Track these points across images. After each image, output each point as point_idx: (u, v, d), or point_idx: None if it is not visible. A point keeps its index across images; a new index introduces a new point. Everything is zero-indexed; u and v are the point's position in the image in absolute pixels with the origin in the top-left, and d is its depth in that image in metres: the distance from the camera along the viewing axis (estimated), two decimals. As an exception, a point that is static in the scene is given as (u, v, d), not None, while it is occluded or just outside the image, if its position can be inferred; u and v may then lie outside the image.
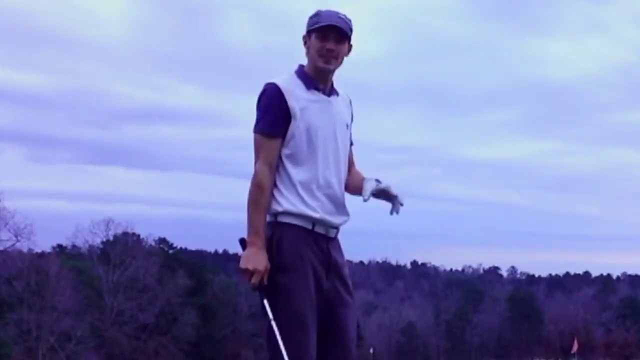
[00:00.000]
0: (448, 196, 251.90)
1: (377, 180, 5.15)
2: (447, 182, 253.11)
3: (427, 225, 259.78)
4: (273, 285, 4.68)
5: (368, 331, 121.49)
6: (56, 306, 67.84)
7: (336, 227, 4.91)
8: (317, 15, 4.89)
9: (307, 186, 4.78)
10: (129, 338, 76.67)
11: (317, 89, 4.88)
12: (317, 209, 4.78)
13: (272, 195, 4.75)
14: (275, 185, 4.76)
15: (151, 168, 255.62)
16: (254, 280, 4.59)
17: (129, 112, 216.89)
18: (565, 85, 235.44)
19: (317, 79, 4.90)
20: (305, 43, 4.91)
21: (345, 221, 4.97)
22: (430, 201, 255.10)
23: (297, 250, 4.72)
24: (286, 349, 4.57)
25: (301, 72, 4.90)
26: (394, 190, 5.16)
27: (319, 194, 4.81)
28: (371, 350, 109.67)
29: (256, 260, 4.58)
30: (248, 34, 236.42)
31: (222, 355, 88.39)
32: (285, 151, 4.75)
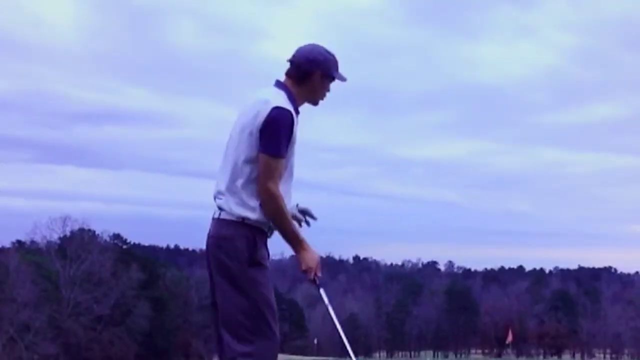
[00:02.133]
0: (387, 194, 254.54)
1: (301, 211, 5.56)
2: (386, 180, 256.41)
3: (368, 222, 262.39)
4: (252, 278, 4.93)
5: (312, 323, 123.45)
6: (16, 298, 68.96)
7: None
8: (335, 62, 5.23)
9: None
10: (85, 329, 77.42)
11: (298, 113, 5.08)
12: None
13: (245, 203, 4.93)
14: (251, 195, 4.93)
15: (102, 167, 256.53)
16: (310, 276, 5.02)
17: (80, 113, 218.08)
18: (496, 87, 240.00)
19: (300, 104, 5.12)
20: (314, 75, 5.10)
21: None
22: (370, 199, 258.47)
23: (264, 250, 5.02)
24: (261, 333, 4.94)
25: (290, 97, 5.04)
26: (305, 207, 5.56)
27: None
28: (315, 341, 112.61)
29: (309, 259, 4.99)
30: (193, 38, 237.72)
31: (173, 345, 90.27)
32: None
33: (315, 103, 5.24)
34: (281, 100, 4.91)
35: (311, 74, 5.06)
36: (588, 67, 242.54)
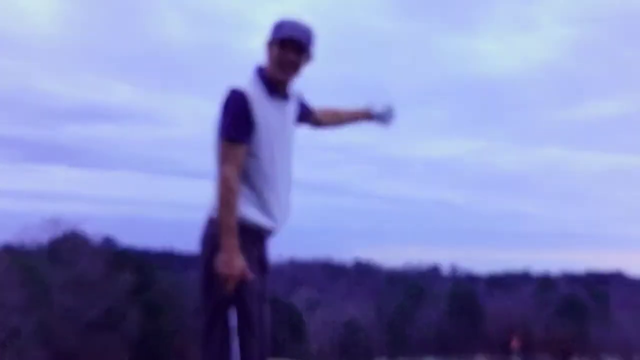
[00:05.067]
0: (386, 194, 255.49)
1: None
2: (384, 180, 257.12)
3: (368, 224, 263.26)
4: (217, 285, 4.79)
5: (311, 327, 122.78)
6: (4, 303, 67.28)
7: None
8: (281, 25, 5.00)
9: (264, 196, 4.92)
10: (77, 334, 76.58)
11: (277, 95, 5.04)
12: (269, 219, 4.98)
13: None
14: None
15: (92, 166, 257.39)
16: (229, 286, 4.70)
17: (68, 111, 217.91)
18: (496, 83, 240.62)
19: (276, 85, 5.04)
20: (266, 45, 5.10)
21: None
22: (368, 199, 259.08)
23: (246, 252, 4.84)
24: (234, 349, 4.77)
25: (262, 76, 5.03)
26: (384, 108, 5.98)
27: (273, 204, 4.98)
28: (314, 345, 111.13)
29: (233, 265, 4.69)
30: (182, 32, 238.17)
31: (167, 350, 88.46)
32: (249, 160, 4.86)
33: (280, 77, 5.05)
34: (240, 82, 4.90)
35: (266, 45, 5.08)
36: (588, 62, 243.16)
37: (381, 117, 5.84)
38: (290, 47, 4.93)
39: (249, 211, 4.82)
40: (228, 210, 4.68)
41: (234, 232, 4.69)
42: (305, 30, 4.96)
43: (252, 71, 5.07)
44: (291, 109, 5.20)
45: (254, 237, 4.92)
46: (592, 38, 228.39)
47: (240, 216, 4.76)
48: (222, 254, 4.68)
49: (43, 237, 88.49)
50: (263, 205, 4.90)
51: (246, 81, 4.92)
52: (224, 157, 4.77)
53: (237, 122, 4.76)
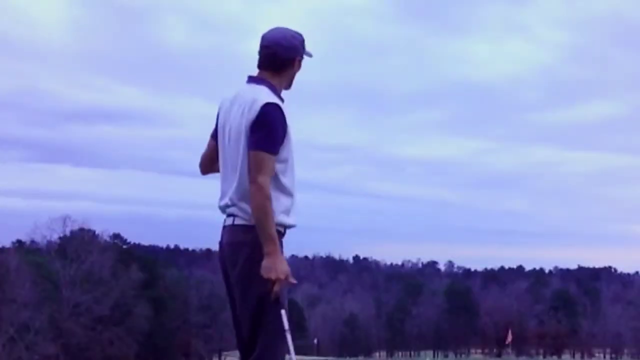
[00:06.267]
0: (384, 193, 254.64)
1: None
2: (381, 179, 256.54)
3: (367, 222, 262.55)
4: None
5: (312, 323, 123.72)
6: (16, 299, 68.93)
7: None
8: (304, 40, 5.03)
9: (291, 199, 4.93)
10: (85, 329, 77.49)
11: (283, 102, 4.93)
12: (294, 218, 4.98)
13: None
14: None
15: (97, 166, 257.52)
16: (277, 288, 4.64)
17: (73, 112, 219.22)
18: (489, 85, 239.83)
19: (280, 93, 4.98)
20: (295, 61, 5.00)
21: None
22: (366, 198, 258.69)
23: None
24: (285, 351, 4.76)
25: (273, 89, 4.91)
26: None
27: (295, 205, 5.00)
28: (315, 341, 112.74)
29: (279, 269, 4.62)
30: (185, 36, 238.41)
31: (173, 345, 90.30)
32: (279, 166, 4.80)
33: (290, 87, 5.07)
34: (270, 95, 4.79)
35: (292, 60, 4.93)
36: (580, 64, 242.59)
37: None
38: None
39: (280, 215, 4.82)
40: (267, 217, 4.63)
41: (275, 238, 4.66)
42: None
43: (257, 83, 4.94)
44: None
45: (281, 239, 4.83)
46: (584, 41, 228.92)
47: (276, 221, 4.74)
48: (267, 259, 4.62)
49: (53, 234, 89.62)
50: (291, 206, 4.95)
51: (269, 94, 4.83)
52: (260, 168, 4.67)
53: (276, 135, 4.73)
